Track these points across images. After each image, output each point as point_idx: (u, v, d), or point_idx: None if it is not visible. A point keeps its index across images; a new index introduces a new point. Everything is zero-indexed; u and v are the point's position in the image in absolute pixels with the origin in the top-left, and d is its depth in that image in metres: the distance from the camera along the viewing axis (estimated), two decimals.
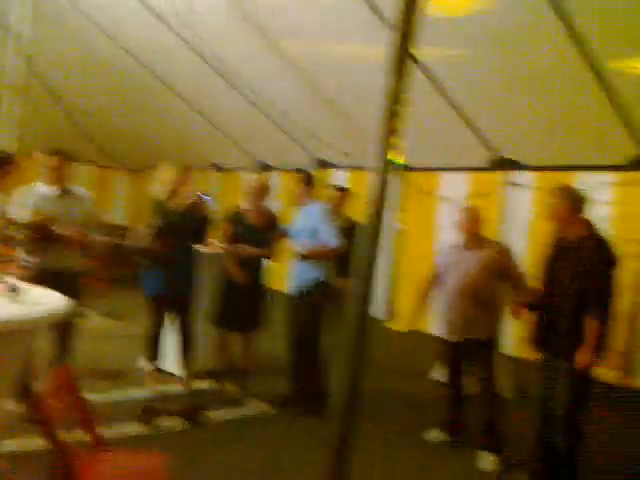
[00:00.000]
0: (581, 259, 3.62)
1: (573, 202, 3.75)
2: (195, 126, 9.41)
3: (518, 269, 4.24)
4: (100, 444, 2.71)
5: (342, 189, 5.92)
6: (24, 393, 3.75)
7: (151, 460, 2.63)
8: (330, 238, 4.63)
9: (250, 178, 5.01)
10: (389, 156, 1.72)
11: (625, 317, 4.65)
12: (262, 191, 4.99)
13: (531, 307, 3.92)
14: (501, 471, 4.01)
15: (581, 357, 3.49)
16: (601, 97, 5.13)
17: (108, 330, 6.60)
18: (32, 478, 2.37)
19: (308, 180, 4.89)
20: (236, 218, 5.01)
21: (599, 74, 4.95)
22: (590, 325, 3.51)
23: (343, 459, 1.82)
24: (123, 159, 12.19)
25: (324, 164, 8.93)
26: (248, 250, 4.84)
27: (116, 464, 2.60)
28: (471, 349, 4.22)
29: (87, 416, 2.65)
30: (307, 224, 4.74)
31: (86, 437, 2.68)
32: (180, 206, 4.66)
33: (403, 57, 1.65)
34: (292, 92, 7.35)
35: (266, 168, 9.97)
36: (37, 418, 2.25)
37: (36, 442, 3.59)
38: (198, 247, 4.97)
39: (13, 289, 2.48)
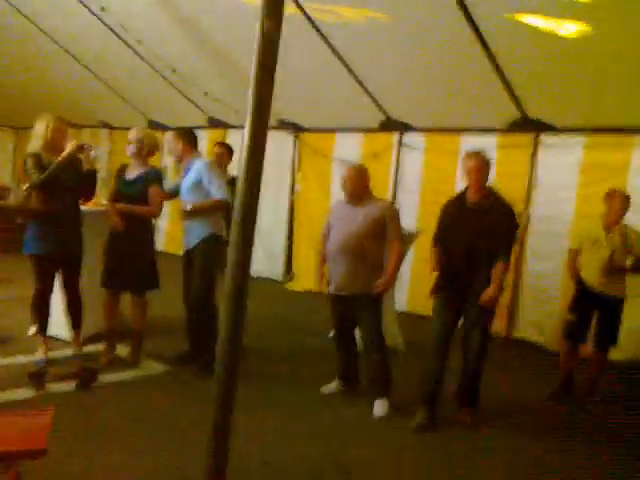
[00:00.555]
0: (491, 218, 4.02)
1: (485, 165, 4.10)
2: (84, 83, 8.99)
3: (398, 226, 4.33)
4: None
5: (223, 145, 5.83)
6: None
7: (36, 418, 2.56)
8: (215, 191, 4.59)
9: (130, 132, 4.74)
10: (262, 106, 1.71)
11: (510, 272, 5.00)
12: (141, 145, 4.73)
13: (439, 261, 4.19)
14: (392, 414, 4.23)
15: (491, 292, 3.98)
16: (486, 63, 5.37)
17: None
18: None
19: (186, 137, 4.76)
20: (118, 174, 4.79)
21: (484, 41, 5.17)
22: (500, 269, 4.00)
23: (226, 415, 1.86)
24: (7, 117, 11.48)
25: (218, 123, 8.82)
26: (125, 208, 4.60)
27: None
28: (357, 303, 4.31)
29: None
30: (191, 180, 4.66)
31: None
32: (58, 160, 4.38)
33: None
34: (184, 49, 7.15)
35: (159, 127, 9.72)
36: None
37: None
38: (83, 205, 4.76)
39: None
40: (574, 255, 4.88)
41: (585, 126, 5.80)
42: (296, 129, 8.12)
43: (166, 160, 9.49)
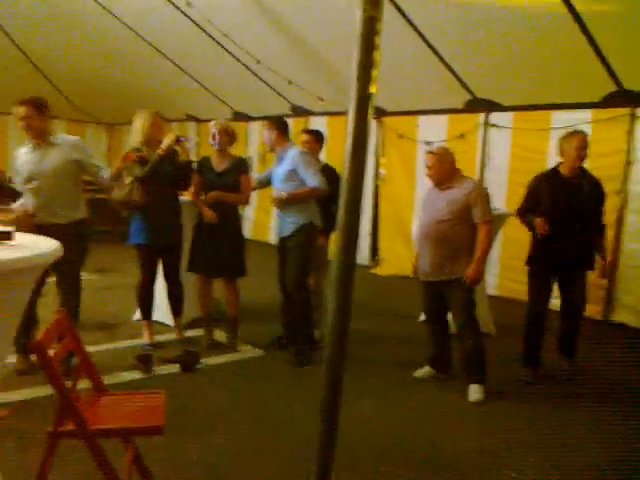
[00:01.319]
0: (591, 192, 4.38)
1: (587, 145, 4.35)
2: (171, 78, 9.31)
3: (484, 208, 4.18)
4: (101, 388, 2.81)
5: (312, 132, 5.65)
6: (25, 343, 3.88)
7: (150, 398, 2.73)
8: (310, 179, 4.61)
9: (212, 124, 4.88)
10: (367, 91, 1.72)
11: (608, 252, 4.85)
12: (223, 136, 4.82)
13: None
14: (487, 399, 4.17)
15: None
16: (577, 34, 5.17)
17: (96, 284, 6.65)
18: (37, 424, 2.46)
19: (279, 125, 4.77)
20: (203, 165, 4.91)
21: (574, 12, 4.97)
22: (602, 241, 4.54)
23: (335, 402, 1.90)
24: (100, 113, 12.06)
25: (301, 111, 8.91)
26: (211, 195, 4.73)
27: (117, 404, 2.71)
28: (447, 288, 4.27)
29: (87, 361, 2.74)
30: (284, 169, 4.69)
31: (86, 383, 2.79)
32: (157, 152, 4.55)
33: None
34: (266, 39, 7.27)
35: (244, 117, 9.94)
36: (39, 365, 2.33)
37: (38, 391, 3.76)
38: (180, 195, 4.95)
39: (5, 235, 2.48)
40: None
41: None
42: (378, 113, 8.09)
43: (251, 151, 9.74)
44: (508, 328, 5.55)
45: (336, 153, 6.17)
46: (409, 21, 5.98)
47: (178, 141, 4.67)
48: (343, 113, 7.20)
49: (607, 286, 6.02)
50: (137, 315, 5.21)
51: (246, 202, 5.06)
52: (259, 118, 9.75)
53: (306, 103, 8.56)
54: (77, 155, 4.30)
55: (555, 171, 4.46)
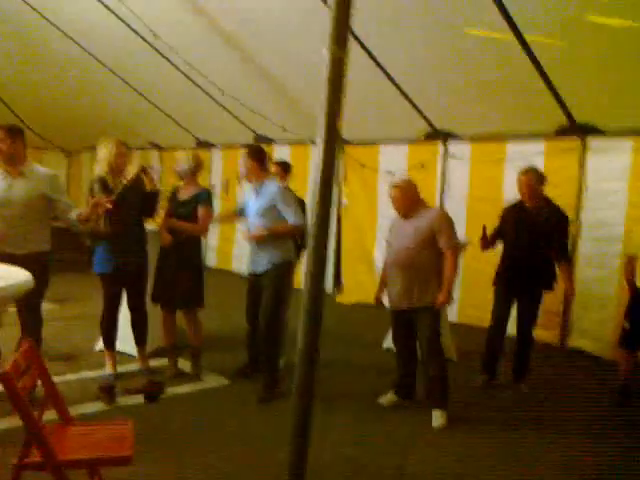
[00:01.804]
0: (549, 220, 4.79)
1: (539, 180, 4.84)
2: (133, 105, 9.31)
3: (449, 234, 4.28)
4: (67, 419, 2.79)
5: (280, 163, 5.64)
6: None
7: (118, 428, 2.73)
8: (291, 216, 4.54)
9: (179, 155, 4.93)
10: (336, 126, 1.82)
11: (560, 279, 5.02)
12: (188, 168, 4.84)
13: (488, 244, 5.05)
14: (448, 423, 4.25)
15: (568, 286, 5.00)
16: (530, 70, 5.40)
17: (56, 314, 6.54)
18: (4, 455, 2.43)
19: (256, 155, 4.67)
20: (172, 196, 4.94)
21: (527, 48, 5.21)
22: (567, 268, 5.02)
23: (305, 427, 1.95)
24: (58, 140, 11.94)
25: (264, 140, 8.99)
26: (175, 223, 4.74)
27: (84, 434, 2.70)
28: (415, 316, 4.36)
29: (54, 392, 2.72)
30: (261, 203, 4.61)
31: (54, 414, 2.77)
32: (123, 182, 4.58)
33: (345, 28, 1.75)
34: (229, 68, 7.37)
35: (207, 146, 9.99)
36: (8, 395, 2.32)
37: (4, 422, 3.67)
38: (146, 223, 4.93)
39: None
40: (629, 260, 4.84)
41: (633, 129, 5.73)
42: (341, 142, 8.22)
43: (214, 179, 9.78)
44: (469, 354, 5.67)
45: (299, 182, 6.28)
46: (371, 56, 6.16)
47: (144, 170, 4.70)
48: (306, 142, 7.41)
49: (562, 312, 6.21)
50: (99, 345, 5.15)
51: (202, 233, 4.97)
52: (223, 147, 9.86)
53: (270, 132, 8.66)
54: (46, 189, 4.29)
55: (519, 202, 4.98)
